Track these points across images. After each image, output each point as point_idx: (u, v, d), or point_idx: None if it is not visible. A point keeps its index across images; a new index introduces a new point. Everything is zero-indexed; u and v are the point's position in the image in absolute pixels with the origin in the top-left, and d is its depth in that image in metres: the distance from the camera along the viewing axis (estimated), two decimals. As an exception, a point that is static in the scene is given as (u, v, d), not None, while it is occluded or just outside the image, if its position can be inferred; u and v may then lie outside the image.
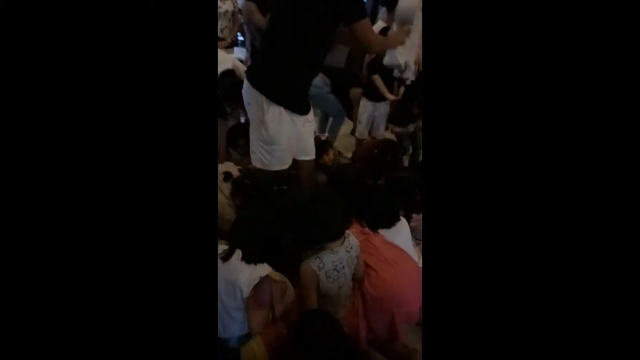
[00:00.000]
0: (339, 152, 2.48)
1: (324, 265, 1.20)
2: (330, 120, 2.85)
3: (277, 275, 1.23)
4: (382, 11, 2.68)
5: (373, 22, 2.33)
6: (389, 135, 2.71)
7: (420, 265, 1.40)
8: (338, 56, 3.29)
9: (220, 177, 1.58)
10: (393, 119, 2.64)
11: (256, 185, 1.51)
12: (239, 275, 1.15)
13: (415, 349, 1.30)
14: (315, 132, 1.78)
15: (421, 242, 1.58)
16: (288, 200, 1.41)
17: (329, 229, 1.21)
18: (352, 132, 2.78)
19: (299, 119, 1.54)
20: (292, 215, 1.27)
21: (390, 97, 2.50)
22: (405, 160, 2.67)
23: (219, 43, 2.67)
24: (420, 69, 1.95)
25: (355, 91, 2.64)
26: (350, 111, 2.68)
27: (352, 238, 1.28)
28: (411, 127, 2.61)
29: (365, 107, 2.59)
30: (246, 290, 1.14)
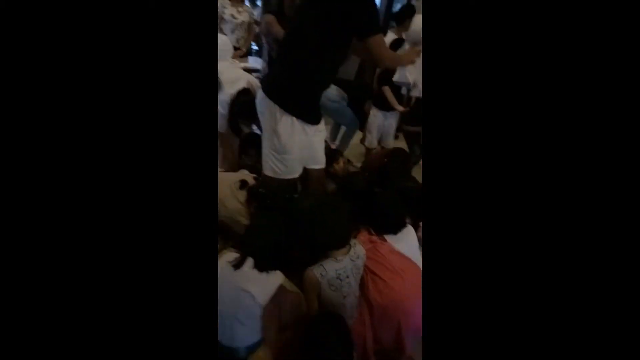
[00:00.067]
0: (349, 160, 2.50)
1: (326, 273, 1.20)
2: (342, 129, 2.88)
3: (289, 285, 1.24)
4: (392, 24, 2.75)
5: (384, 34, 2.37)
6: (399, 144, 2.73)
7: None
8: (349, 67, 3.34)
9: (236, 185, 1.61)
10: (407, 119, 2.66)
11: (269, 193, 1.53)
12: (251, 283, 1.15)
13: (422, 363, 1.29)
14: (325, 141, 1.81)
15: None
16: (297, 208, 1.42)
17: (333, 235, 1.21)
18: (362, 141, 2.81)
19: (310, 129, 1.56)
20: (298, 222, 1.28)
21: (400, 108, 2.53)
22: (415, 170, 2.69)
23: (234, 52, 2.74)
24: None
25: (371, 104, 2.69)
26: (364, 123, 2.72)
27: (359, 247, 1.28)
28: None
29: (375, 117, 2.62)
30: (260, 299, 1.14)
